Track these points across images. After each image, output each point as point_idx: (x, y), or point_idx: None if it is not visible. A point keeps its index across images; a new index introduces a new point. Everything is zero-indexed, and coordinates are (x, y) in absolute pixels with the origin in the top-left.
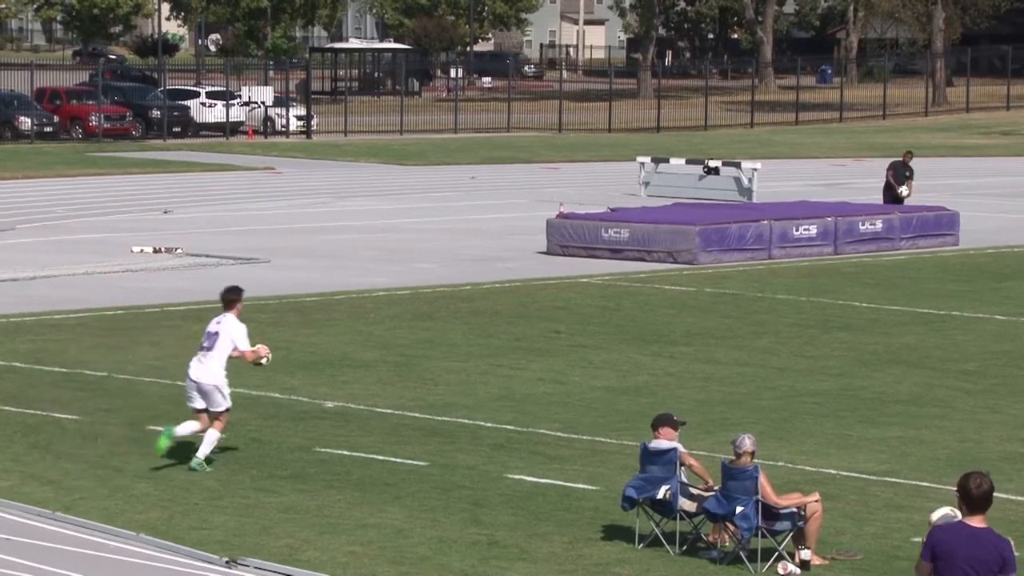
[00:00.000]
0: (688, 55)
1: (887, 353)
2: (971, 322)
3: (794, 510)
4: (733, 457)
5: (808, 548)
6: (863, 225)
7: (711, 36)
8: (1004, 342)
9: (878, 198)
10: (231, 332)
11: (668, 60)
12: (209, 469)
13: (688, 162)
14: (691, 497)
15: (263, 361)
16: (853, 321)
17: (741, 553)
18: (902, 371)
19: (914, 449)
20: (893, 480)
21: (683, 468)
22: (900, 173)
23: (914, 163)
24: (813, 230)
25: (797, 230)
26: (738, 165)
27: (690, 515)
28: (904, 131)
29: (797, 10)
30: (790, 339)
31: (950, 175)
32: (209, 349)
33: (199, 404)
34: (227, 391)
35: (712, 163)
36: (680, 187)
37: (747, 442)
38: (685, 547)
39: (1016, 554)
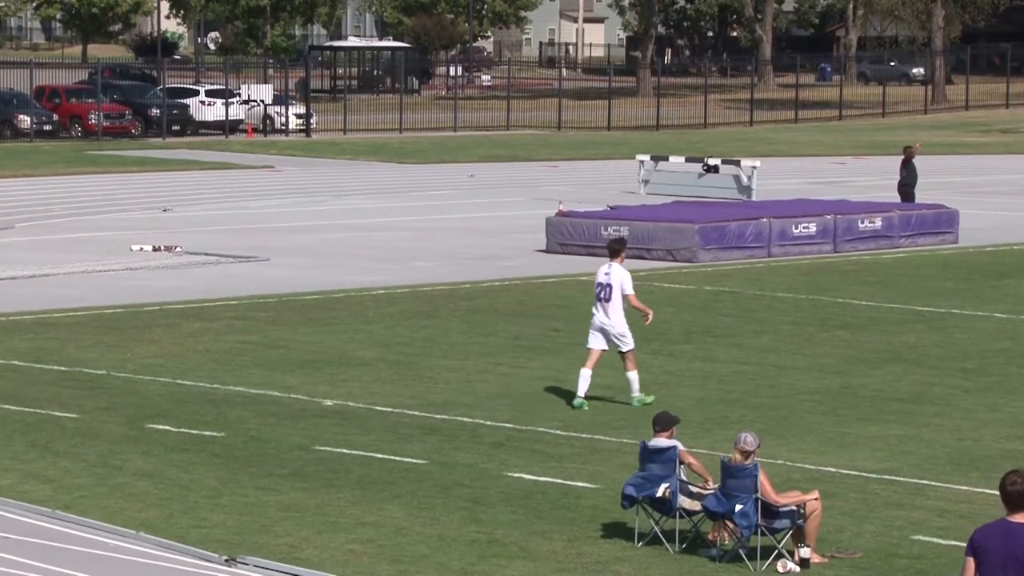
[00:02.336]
0: (687, 53)
1: (886, 351)
2: (970, 320)
3: (793, 508)
4: (733, 455)
5: (808, 546)
6: (862, 223)
7: (710, 34)
8: (1003, 340)
9: (877, 195)
10: (620, 278)
11: (667, 58)
12: (649, 400)
13: (687, 160)
14: (691, 495)
15: (648, 318)
16: (852, 319)
17: (741, 551)
18: (901, 369)
19: (913, 447)
20: (892, 478)
21: (682, 466)
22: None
23: (914, 160)
24: (812, 228)
25: (796, 228)
26: (737, 163)
27: (690, 513)
28: (903, 129)
29: (796, 8)
30: (789, 337)
31: (949, 173)
32: (607, 300)
33: (599, 344)
34: (629, 331)
35: (711, 161)
36: (679, 185)
37: (745, 440)
38: (685, 545)
39: None
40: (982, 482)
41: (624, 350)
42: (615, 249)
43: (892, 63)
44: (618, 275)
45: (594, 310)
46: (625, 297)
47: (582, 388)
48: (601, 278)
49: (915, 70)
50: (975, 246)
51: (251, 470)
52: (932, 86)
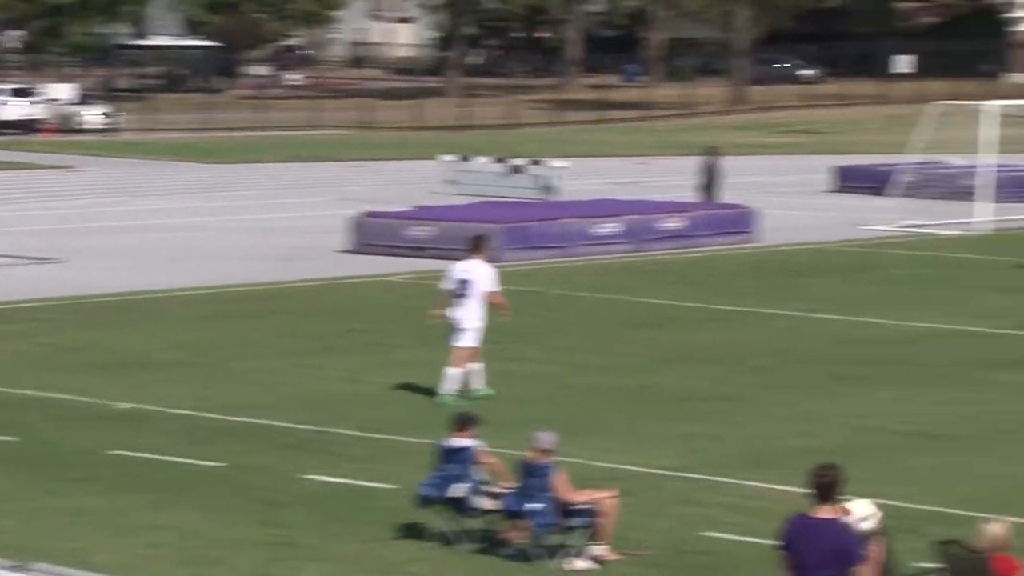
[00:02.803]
0: (497, 54)
1: (684, 350)
2: (765, 318)
3: (590, 506)
4: (530, 454)
5: (603, 544)
6: (664, 223)
7: (519, 35)
8: (796, 338)
9: (680, 195)
10: (482, 274)
11: (477, 59)
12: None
13: (493, 160)
14: (487, 495)
15: (506, 313)
16: (652, 318)
17: (536, 550)
18: (699, 368)
19: (708, 445)
20: (687, 475)
21: (480, 466)
22: (713, 169)
23: (717, 160)
24: (615, 228)
25: (599, 228)
26: (544, 163)
27: (486, 513)
28: (709, 129)
29: (604, 10)
30: (591, 337)
31: (750, 173)
32: (467, 295)
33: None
34: (480, 333)
35: (517, 161)
36: (485, 185)
37: (543, 439)
38: (480, 545)
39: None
40: (773, 478)
41: (462, 344)
42: (478, 245)
43: (778, 64)
44: (479, 271)
45: (452, 307)
46: (486, 294)
47: (448, 386)
48: (459, 274)
49: (804, 71)
50: (773, 245)
51: (40, 474)
52: (735, 87)
